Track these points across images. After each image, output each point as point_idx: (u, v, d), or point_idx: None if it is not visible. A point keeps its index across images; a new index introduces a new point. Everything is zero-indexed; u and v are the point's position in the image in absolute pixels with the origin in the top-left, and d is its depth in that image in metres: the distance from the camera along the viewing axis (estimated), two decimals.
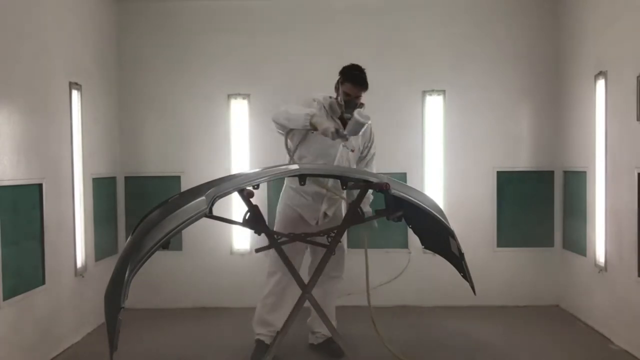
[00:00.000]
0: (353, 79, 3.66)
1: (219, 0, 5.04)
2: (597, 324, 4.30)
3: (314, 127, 3.42)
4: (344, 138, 3.43)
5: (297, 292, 3.46)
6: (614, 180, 4.04)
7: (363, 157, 3.84)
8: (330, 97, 3.74)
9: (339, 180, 3.52)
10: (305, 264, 3.80)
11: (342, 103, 3.65)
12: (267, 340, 3.69)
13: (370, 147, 3.85)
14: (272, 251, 3.56)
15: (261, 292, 3.80)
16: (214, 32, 5.05)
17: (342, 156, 3.68)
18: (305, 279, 3.35)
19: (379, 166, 3.99)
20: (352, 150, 3.72)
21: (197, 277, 5.07)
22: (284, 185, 3.85)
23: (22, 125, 3.49)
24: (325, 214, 3.74)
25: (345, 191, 3.69)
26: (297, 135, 3.65)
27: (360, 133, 3.50)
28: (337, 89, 3.72)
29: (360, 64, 3.78)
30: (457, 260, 3.36)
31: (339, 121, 3.65)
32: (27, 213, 3.55)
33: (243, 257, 5.06)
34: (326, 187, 3.65)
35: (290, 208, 3.75)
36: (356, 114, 3.37)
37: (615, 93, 4.00)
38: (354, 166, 3.76)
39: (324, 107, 3.68)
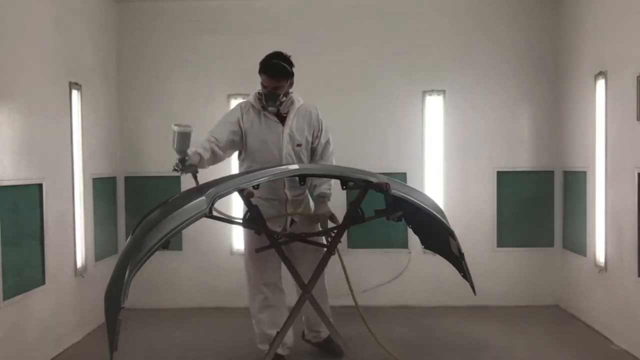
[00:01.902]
0: (265, 69, 3.40)
1: (219, 0, 5.04)
2: (597, 324, 4.30)
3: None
4: (183, 163, 3.16)
5: (286, 299, 3.55)
6: (614, 180, 4.03)
7: (314, 149, 3.61)
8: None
9: (297, 182, 3.42)
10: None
11: (261, 96, 3.45)
12: (283, 352, 3.60)
13: (320, 136, 3.59)
14: (249, 266, 3.56)
15: (249, 309, 3.68)
16: (214, 32, 5.05)
17: (289, 154, 3.48)
18: (291, 290, 3.35)
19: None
20: (299, 145, 3.49)
21: (197, 277, 5.07)
22: None
23: (22, 125, 3.49)
24: (292, 220, 3.58)
25: (306, 193, 3.59)
26: (241, 142, 3.52)
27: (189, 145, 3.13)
28: None
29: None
30: (457, 260, 3.36)
31: (274, 117, 3.47)
32: (27, 213, 3.55)
33: (243, 257, 5.05)
34: (286, 197, 3.54)
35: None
36: (174, 125, 3.05)
37: (615, 93, 4.00)
38: (306, 161, 3.55)
39: (253, 105, 3.49)
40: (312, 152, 3.63)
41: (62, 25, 4.06)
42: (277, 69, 3.40)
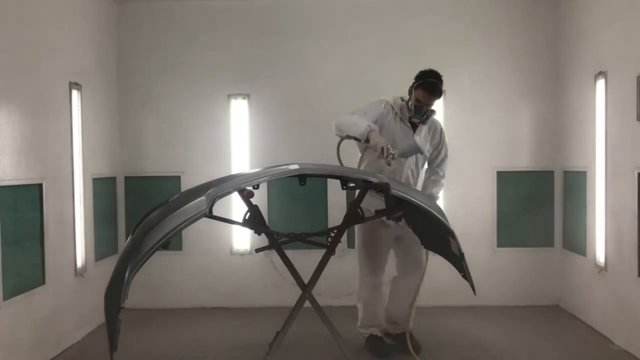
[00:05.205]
0: (427, 86, 3.64)
1: (220, 0, 5.05)
2: (597, 324, 4.30)
3: (367, 140, 3.44)
4: (392, 157, 3.39)
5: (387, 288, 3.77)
6: (614, 180, 4.03)
7: (433, 158, 3.89)
8: (402, 99, 3.76)
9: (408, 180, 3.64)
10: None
11: (412, 108, 3.66)
12: (379, 333, 3.80)
13: (441, 149, 3.90)
14: (362, 257, 3.71)
15: (357, 295, 3.89)
16: (214, 32, 5.05)
17: (410, 158, 3.73)
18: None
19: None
20: (421, 153, 3.75)
21: (197, 277, 5.07)
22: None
23: (22, 125, 3.49)
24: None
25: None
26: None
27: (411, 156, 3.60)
28: (410, 92, 3.72)
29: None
30: (457, 260, 3.35)
31: (409, 124, 3.71)
32: (27, 213, 3.55)
33: (243, 257, 5.06)
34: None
35: (369, 212, 3.58)
36: (417, 138, 3.51)
37: (615, 93, 4.00)
38: (420, 167, 3.82)
39: (392, 108, 3.70)
40: (430, 160, 3.91)
41: (62, 25, 4.06)
42: (437, 90, 3.65)
